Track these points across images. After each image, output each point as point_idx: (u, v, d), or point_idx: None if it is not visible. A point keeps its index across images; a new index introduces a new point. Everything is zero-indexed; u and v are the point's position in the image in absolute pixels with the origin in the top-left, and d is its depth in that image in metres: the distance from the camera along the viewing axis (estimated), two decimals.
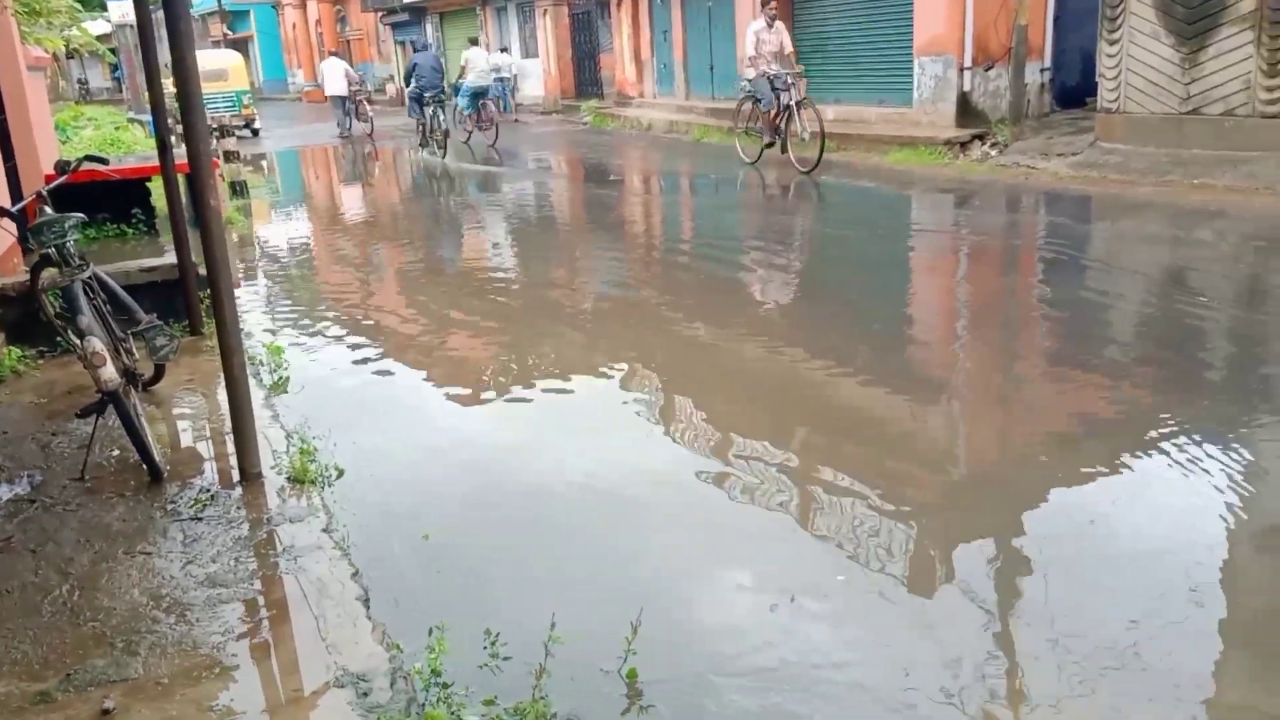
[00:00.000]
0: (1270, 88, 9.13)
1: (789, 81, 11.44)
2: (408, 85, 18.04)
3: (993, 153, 11.29)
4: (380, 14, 33.96)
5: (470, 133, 17.97)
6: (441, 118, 16.37)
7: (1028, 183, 9.87)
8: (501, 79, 22.74)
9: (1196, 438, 3.84)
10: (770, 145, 11.94)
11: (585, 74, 24.32)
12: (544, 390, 4.99)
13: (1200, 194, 8.46)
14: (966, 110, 12.16)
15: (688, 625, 2.85)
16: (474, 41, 21.35)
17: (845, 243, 8.40)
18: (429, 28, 31.48)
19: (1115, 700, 2.41)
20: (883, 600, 2.91)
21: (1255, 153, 9.11)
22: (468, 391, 5.08)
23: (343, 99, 21.28)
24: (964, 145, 11.59)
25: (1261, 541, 3.19)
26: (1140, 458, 3.75)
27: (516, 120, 22.64)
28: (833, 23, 14.64)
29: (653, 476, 3.90)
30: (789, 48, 12.09)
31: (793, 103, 11.37)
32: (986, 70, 12.21)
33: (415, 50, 18.78)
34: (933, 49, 12.34)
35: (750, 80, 12.11)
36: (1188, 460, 3.70)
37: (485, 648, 2.60)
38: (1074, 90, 12.90)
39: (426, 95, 16.40)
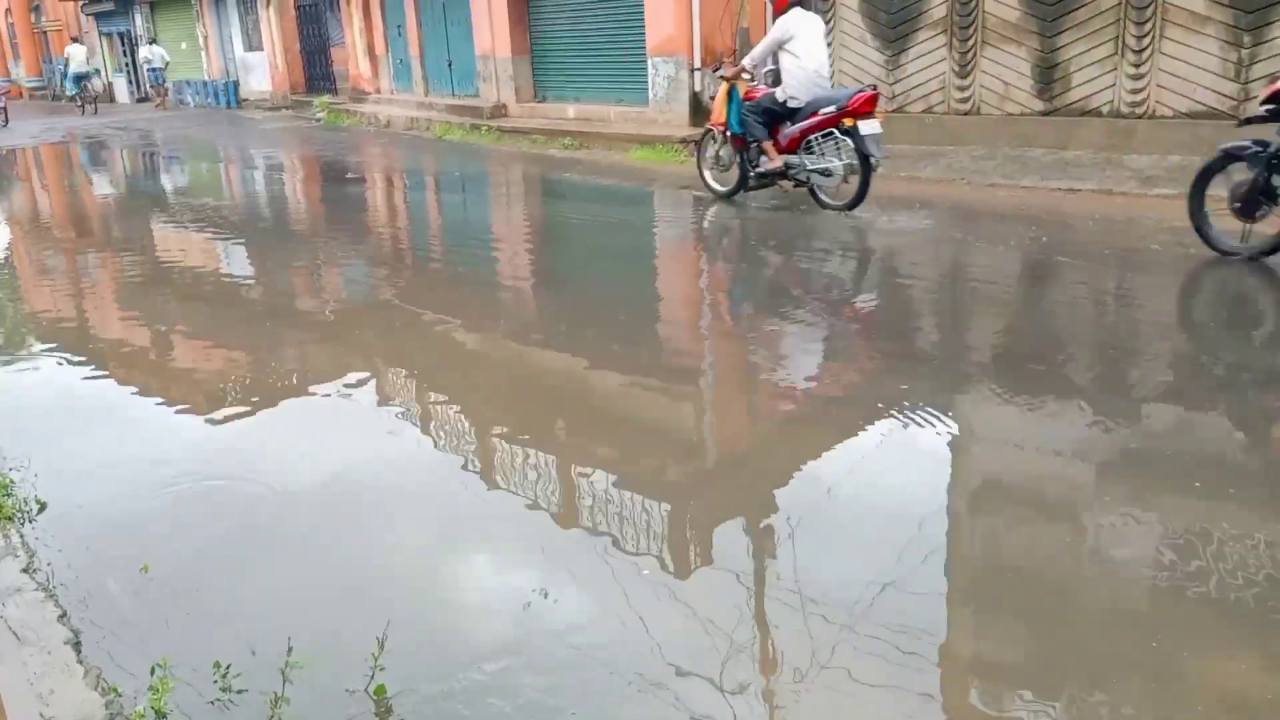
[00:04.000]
0: (961, 87, 10.08)
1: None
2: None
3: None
4: (82, 3, 31.01)
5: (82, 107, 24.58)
6: None
7: None
8: (154, 69, 26.25)
9: (920, 409, 4.17)
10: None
11: (316, 68, 23.28)
12: (279, 400, 4.70)
13: (908, 185, 9.19)
14: (699, 109, 12.61)
15: (439, 632, 2.76)
16: (76, 40, 28.18)
17: (593, 239, 8.48)
18: (138, 18, 29.08)
19: (854, 660, 2.54)
20: (638, 584, 2.93)
21: (952, 147, 10.04)
22: (193, 408, 4.71)
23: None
24: (698, 143, 12.00)
25: (979, 502, 3.48)
26: (870, 430, 4.01)
27: (168, 105, 26.72)
28: (569, 22, 14.78)
29: (399, 481, 3.76)
30: None
31: None
32: (714, 71, 12.71)
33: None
34: (664, 50, 12.72)
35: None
36: (911, 431, 4.00)
37: (216, 681, 2.40)
38: None
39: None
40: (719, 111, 8.78)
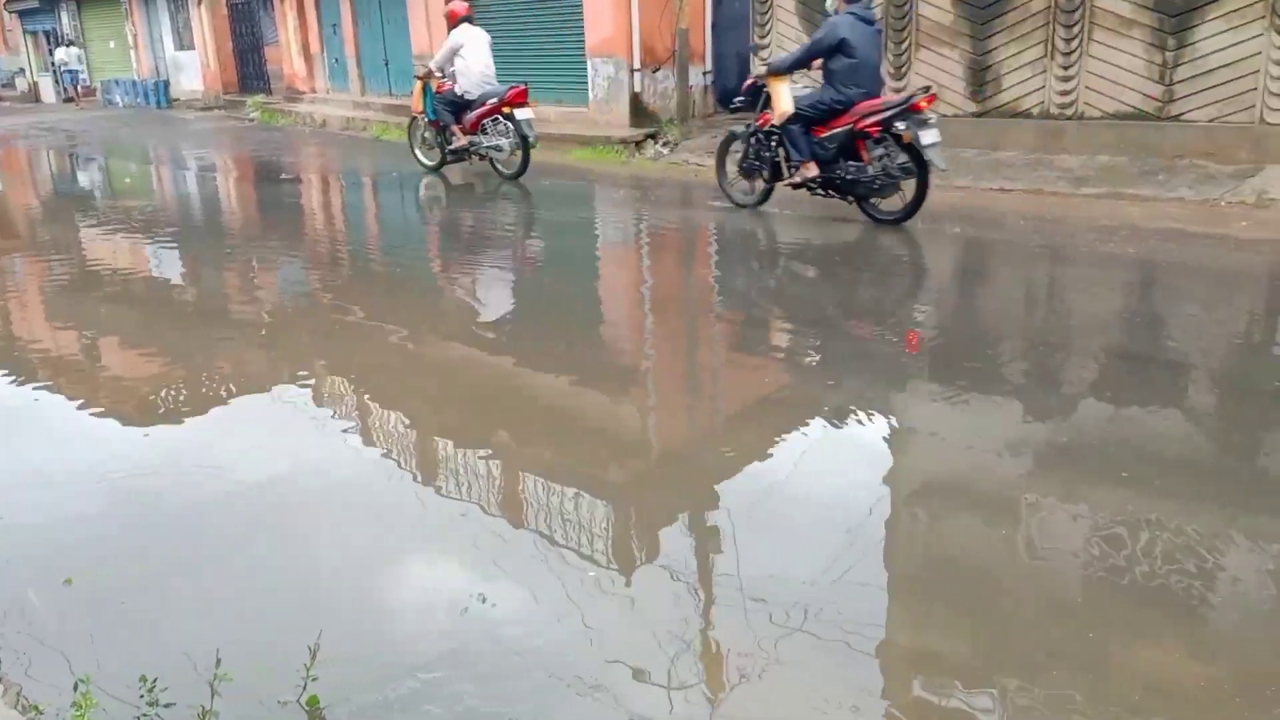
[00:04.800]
0: (897, 89, 10.20)
1: None
2: None
3: (665, 151, 11.80)
4: (4, 1, 30.07)
5: None
6: None
7: (698, 179, 10.39)
8: (69, 70, 26.89)
9: (860, 406, 4.21)
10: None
11: (250, 67, 22.86)
12: (210, 406, 4.59)
13: None
14: (639, 110, 12.63)
15: (375, 639, 2.71)
16: None
17: (532, 238, 8.44)
18: (64, 17, 28.29)
19: (797, 656, 2.55)
20: (582, 586, 2.92)
21: None
22: (121, 414, 4.58)
23: None
24: (638, 144, 12.03)
25: (914, 498, 3.52)
26: (808, 429, 4.04)
27: (86, 104, 26.68)
28: (508, 21, 14.68)
29: (335, 486, 3.69)
30: None
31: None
32: (654, 72, 12.75)
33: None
34: (604, 50, 12.70)
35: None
36: (853, 427, 4.05)
37: (142, 696, 2.33)
38: (735, 92, 13.71)
39: None
40: (417, 102, 11.17)
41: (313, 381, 4.90)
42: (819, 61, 7.44)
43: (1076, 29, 8.97)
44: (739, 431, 4.20)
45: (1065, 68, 9.12)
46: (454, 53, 10.60)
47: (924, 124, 6.94)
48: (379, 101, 17.17)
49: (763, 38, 11.05)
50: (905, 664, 2.57)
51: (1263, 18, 8.03)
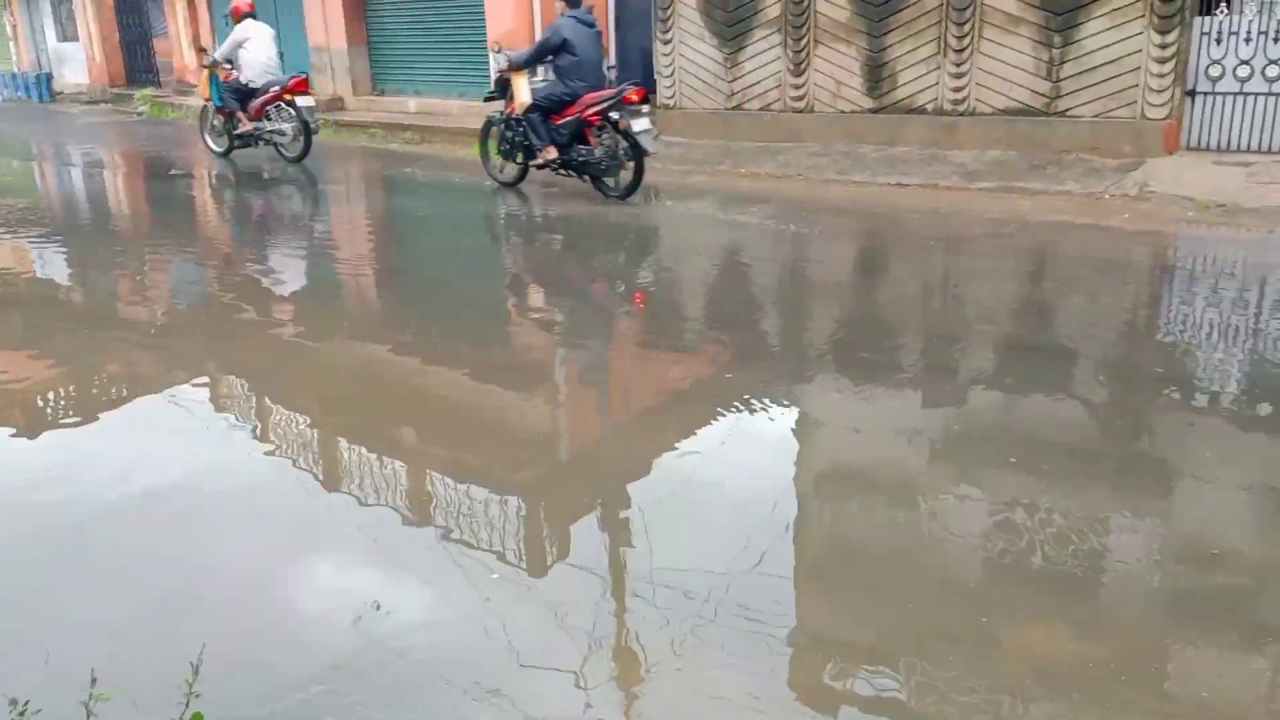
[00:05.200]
0: (797, 85, 10.35)
1: None
2: None
3: None
4: None
5: None
6: None
7: None
8: None
9: (763, 399, 4.24)
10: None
11: (138, 60, 21.99)
12: (98, 411, 4.40)
13: (748, 181, 9.38)
14: None
15: (265, 652, 2.62)
16: None
17: (430, 234, 8.30)
18: None
19: (712, 647, 2.56)
20: (493, 585, 2.87)
21: (788, 144, 10.30)
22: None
23: None
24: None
25: (821, 486, 3.56)
26: (718, 421, 4.06)
27: None
28: (408, 12, 14.45)
29: (225, 492, 3.56)
30: None
31: None
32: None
33: None
34: (505, 43, 12.56)
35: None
36: (756, 419, 4.07)
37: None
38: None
39: None
40: (203, 89, 11.98)
41: (206, 381, 4.73)
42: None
43: (968, 26, 9.21)
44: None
45: (958, 65, 9.36)
46: (238, 45, 11.37)
47: (636, 114, 8.13)
48: None
49: (665, 33, 11.09)
50: (812, 649, 2.60)
51: (1142, 16, 8.37)
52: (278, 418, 4.29)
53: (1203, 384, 4.36)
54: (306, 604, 2.88)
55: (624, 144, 8.19)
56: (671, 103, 11.27)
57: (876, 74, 9.86)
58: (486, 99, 9.66)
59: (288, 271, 7.24)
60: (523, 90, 8.64)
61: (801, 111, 10.40)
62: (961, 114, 9.44)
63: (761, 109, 10.67)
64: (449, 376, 4.79)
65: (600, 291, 6.46)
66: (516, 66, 8.67)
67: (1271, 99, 8.31)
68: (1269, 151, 8.36)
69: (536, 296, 6.54)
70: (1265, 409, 4.07)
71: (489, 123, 9.39)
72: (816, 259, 6.93)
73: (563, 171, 8.79)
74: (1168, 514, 3.26)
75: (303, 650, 2.62)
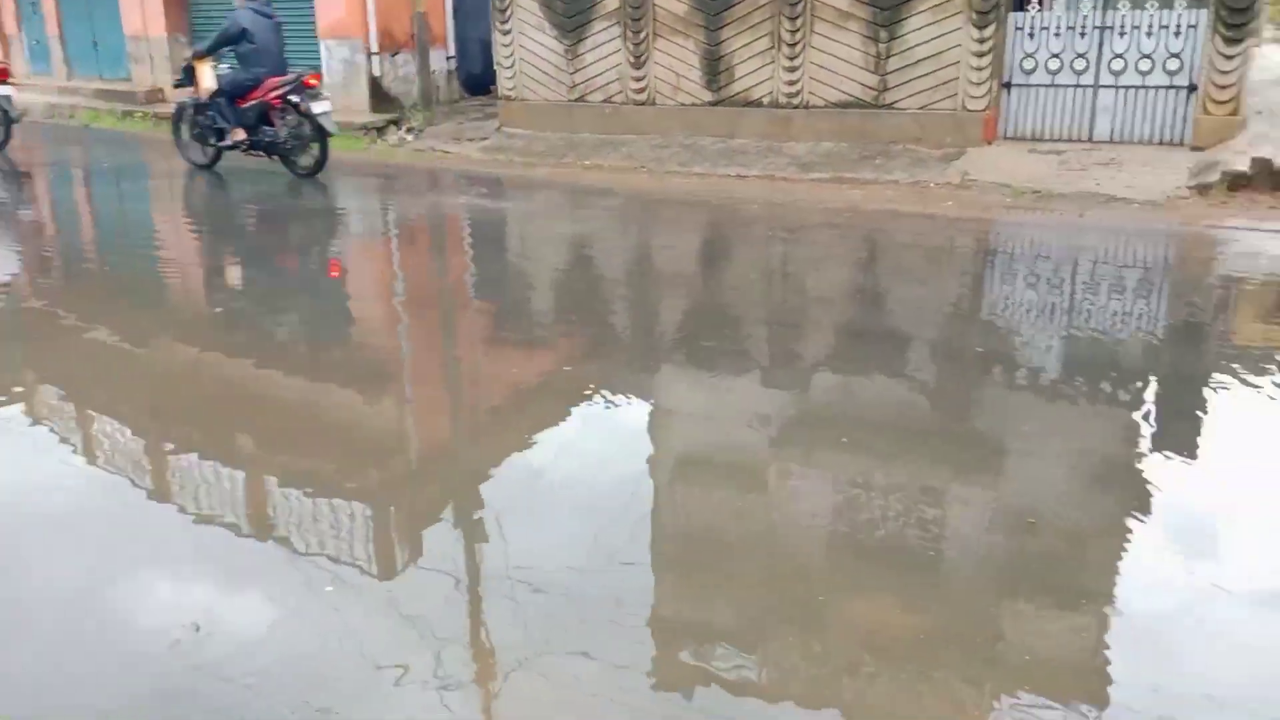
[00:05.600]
0: (638, 78, 10.39)
1: None
2: None
3: (409, 137, 11.46)
4: None
5: None
6: None
7: (444, 165, 10.17)
8: None
9: (605, 390, 4.21)
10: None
11: None
12: None
13: (592, 174, 9.36)
14: (379, 95, 12.20)
15: (79, 683, 2.42)
16: None
17: (271, 231, 7.95)
18: None
19: (569, 639, 2.51)
20: (341, 592, 2.73)
21: (631, 136, 10.33)
22: None
23: None
24: (380, 130, 11.63)
25: (672, 471, 3.56)
26: (569, 413, 4.01)
27: None
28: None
29: (36, 511, 3.28)
30: None
31: None
32: (393, 56, 12.35)
33: None
34: (337, 32, 12.17)
35: None
36: (607, 408, 4.05)
37: None
38: (479, 78, 13.54)
39: None
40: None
41: (36, 391, 4.36)
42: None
43: (800, 21, 9.44)
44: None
45: (791, 59, 9.58)
46: None
47: (315, 97, 8.84)
48: (88, 86, 15.67)
49: (504, 24, 10.94)
50: (666, 634, 2.59)
51: (961, 12, 8.76)
52: None
53: (1022, 361, 4.59)
54: (129, 626, 2.67)
55: (308, 126, 8.91)
56: (513, 94, 11.13)
57: (714, 67, 9.99)
58: (176, 86, 10.12)
59: None
60: (206, 77, 9.22)
61: (643, 104, 10.44)
62: (796, 107, 9.68)
63: (604, 101, 10.66)
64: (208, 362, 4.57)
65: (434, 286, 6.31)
66: (200, 55, 9.29)
67: (1079, 90, 8.84)
68: (1078, 140, 8.90)
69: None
70: (1080, 382, 4.30)
71: (180, 108, 9.76)
72: (660, 250, 6.97)
73: (252, 152, 9.28)
74: (992, 486, 3.40)
75: (117, 677, 2.43)
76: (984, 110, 8.94)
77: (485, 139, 10.96)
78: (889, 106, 9.28)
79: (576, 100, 10.77)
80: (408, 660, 2.46)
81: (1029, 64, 8.95)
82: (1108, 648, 2.51)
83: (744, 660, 2.47)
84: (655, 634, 2.60)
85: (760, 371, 4.47)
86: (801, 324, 5.12)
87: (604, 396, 4.18)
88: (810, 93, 9.58)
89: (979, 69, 8.84)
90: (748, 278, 6.19)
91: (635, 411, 4.10)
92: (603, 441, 3.85)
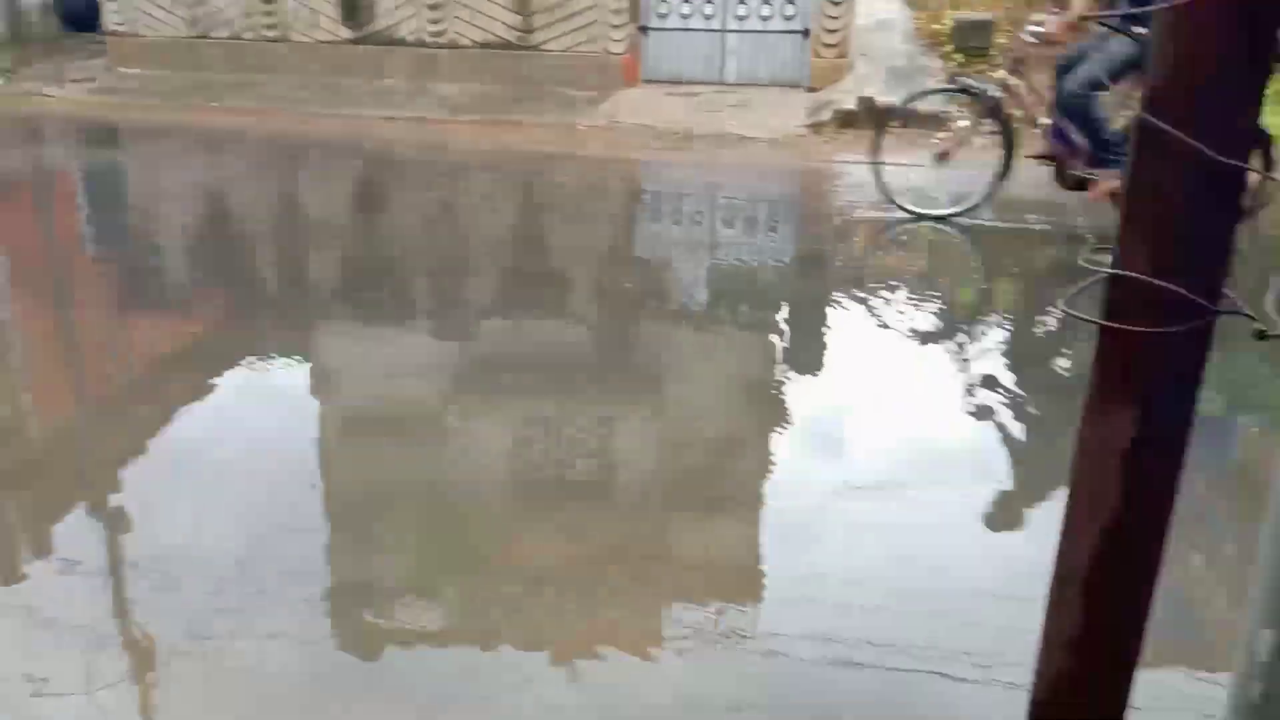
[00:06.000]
0: (268, 12, 9.68)
1: None
2: None
3: (1, 81, 9.97)
4: None
5: None
6: None
7: (45, 111, 8.96)
8: None
9: (263, 351, 3.95)
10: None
11: None
12: None
13: (223, 116, 8.64)
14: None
15: None
16: None
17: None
18: None
19: (237, 619, 2.36)
20: None
21: (265, 75, 9.64)
22: None
23: None
24: None
25: (338, 431, 3.41)
26: (216, 382, 3.71)
27: None
28: None
29: None
30: None
31: None
32: None
33: None
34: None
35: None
36: (259, 373, 3.79)
37: None
38: (82, 14, 11.96)
39: None
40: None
41: None
42: None
43: None
44: None
45: None
46: None
47: None
48: None
49: None
50: (345, 599, 2.52)
51: None
52: None
53: (671, 294, 4.85)
54: None
55: None
56: (122, 29, 9.98)
57: (354, 3, 9.51)
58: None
59: None
60: None
61: (276, 41, 9.75)
62: (442, 46, 9.47)
63: (231, 37, 9.83)
64: None
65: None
66: None
67: (711, 34, 9.35)
68: (712, 82, 9.44)
69: None
70: (721, 309, 4.63)
71: None
72: (307, 198, 6.61)
73: None
74: (649, 414, 3.59)
75: None
76: (624, 54, 9.22)
77: (93, 80, 9.77)
78: (536, 49, 9.32)
79: (200, 36, 9.86)
80: (47, 671, 2.21)
81: (663, 8, 9.32)
82: (759, 547, 2.75)
83: (422, 611, 2.46)
84: (333, 598, 2.53)
85: (422, 320, 4.40)
86: (461, 270, 5.08)
87: (255, 359, 3.93)
88: (456, 32, 9.41)
89: (617, 11, 9.08)
90: (400, 224, 6.03)
91: (293, 374, 3.89)
92: (259, 408, 3.61)
